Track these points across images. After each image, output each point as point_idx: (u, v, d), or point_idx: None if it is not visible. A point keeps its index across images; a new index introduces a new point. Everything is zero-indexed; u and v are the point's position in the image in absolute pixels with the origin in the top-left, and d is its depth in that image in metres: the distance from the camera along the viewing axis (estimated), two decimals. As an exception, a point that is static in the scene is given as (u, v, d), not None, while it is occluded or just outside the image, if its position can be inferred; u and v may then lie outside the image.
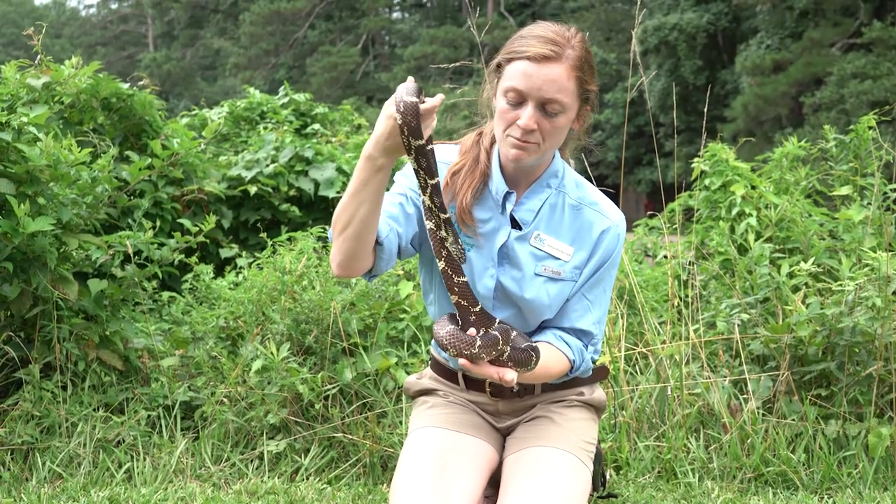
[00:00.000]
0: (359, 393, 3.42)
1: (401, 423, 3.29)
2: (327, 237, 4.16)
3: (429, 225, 1.81)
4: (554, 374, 1.98)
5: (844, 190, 4.22)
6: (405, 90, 1.70)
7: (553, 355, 1.97)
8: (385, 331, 3.55)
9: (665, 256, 4.92)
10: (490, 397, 2.17)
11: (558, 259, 2.01)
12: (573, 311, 2.05)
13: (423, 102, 1.73)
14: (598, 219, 2.05)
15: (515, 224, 2.03)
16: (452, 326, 1.77)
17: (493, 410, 2.19)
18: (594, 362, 2.15)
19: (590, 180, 2.28)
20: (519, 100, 1.86)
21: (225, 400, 3.38)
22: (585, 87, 1.90)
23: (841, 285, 3.31)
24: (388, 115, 1.71)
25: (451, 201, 2.00)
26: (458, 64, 3.16)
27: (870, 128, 4.25)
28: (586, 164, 3.86)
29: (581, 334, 2.06)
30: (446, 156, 2.07)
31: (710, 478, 3.13)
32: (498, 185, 2.01)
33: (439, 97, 1.73)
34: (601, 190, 2.18)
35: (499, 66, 1.93)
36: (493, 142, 2.05)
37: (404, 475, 1.94)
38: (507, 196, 2.01)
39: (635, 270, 4.69)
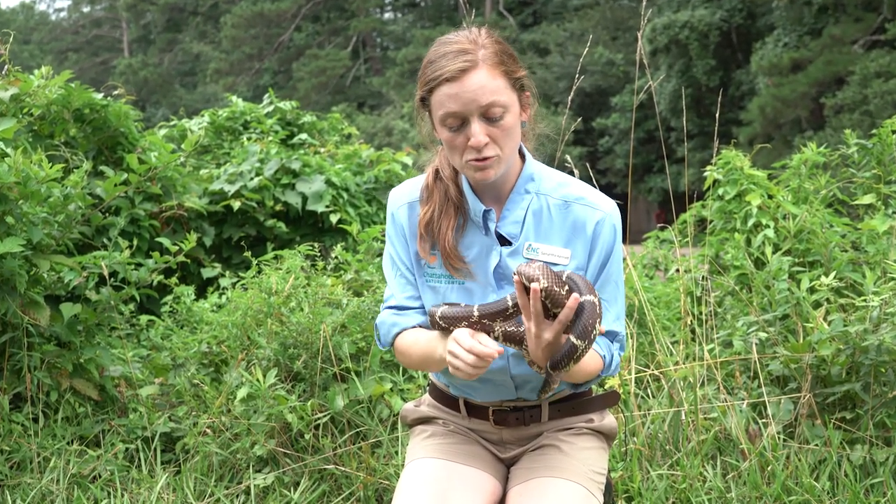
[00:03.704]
0: (351, 422, 3.42)
1: (397, 453, 3.30)
2: (316, 255, 4.17)
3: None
4: (590, 371, 2.01)
5: (867, 199, 4.24)
6: (467, 367, 1.85)
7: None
8: (379, 354, 3.56)
9: (677, 271, 4.94)
10: (493, 425, 2.18)
11: (557, 265, 2.02)
12: None
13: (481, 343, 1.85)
14: (588, 213, 2.05)
15: (504, 241, 2.05)
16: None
17: (497, 439, 2.20)
18: (620, 359, 2.18)
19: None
20: (459, 122, 1.92)
21: (208, 431, 3.39)
22: (514, 76, 1.96)
23: (865, 300, 3.32)
24: (450, 363, 1.88)
25: (431, 248, 2.07)
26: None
27: (893, 132, 4.28)
28: (590, 172, 3.89)
29: (606, 334, 2.09)
30: (412, 191, 2.13)
31: (728, 508, 3.14)
32: (474, 206, 2.04)
33: (494, 349, 1.85)
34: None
35: (423, 100, 1.99)
36: (455, 169, 2.09)
37: (400, 510, 1.95)
38: (486, 214, 2.04)
39: (646, 287, 4.71)
